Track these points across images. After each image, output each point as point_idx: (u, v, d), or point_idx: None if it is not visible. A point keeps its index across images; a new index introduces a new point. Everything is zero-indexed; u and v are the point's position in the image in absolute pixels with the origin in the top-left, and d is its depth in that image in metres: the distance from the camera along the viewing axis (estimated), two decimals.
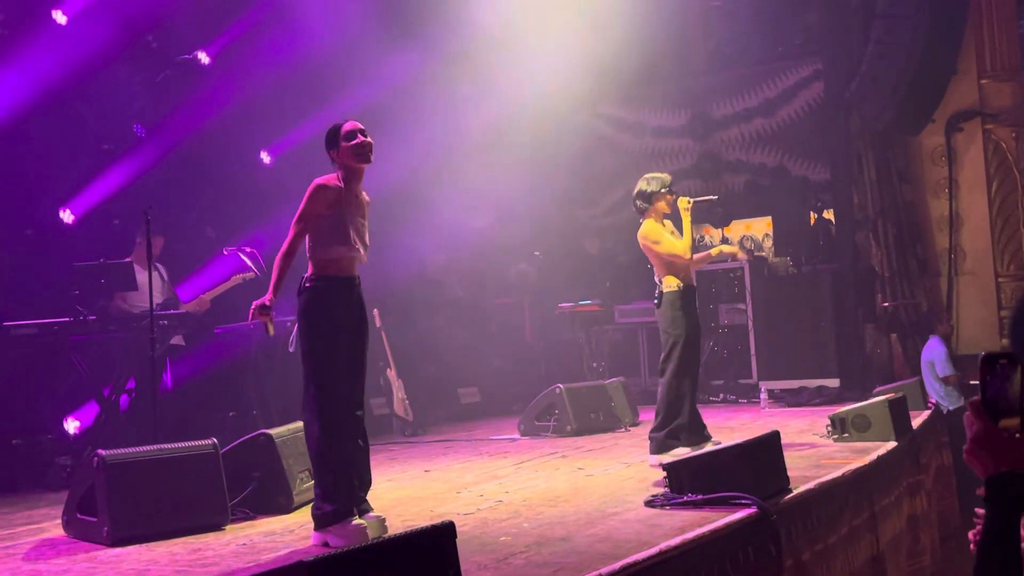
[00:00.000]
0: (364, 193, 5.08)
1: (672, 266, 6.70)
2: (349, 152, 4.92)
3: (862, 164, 10.89)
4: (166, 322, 7.85)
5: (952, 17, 10.48)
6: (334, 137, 4.99)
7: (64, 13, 8.82)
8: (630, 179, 13.63)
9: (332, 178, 4.91)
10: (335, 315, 4.82)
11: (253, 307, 4.82)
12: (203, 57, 9.96)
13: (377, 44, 10.37)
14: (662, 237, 6.69)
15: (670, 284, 6.70)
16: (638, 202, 6.78)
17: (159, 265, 8.38)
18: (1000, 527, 1.68)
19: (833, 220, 11.67)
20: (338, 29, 10.39)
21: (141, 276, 7.93)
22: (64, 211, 8.74)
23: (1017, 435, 1.68)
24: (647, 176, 6.89)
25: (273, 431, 5.79)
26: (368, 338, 5.04)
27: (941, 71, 10.60)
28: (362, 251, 4.96)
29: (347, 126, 4.99)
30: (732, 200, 12.65)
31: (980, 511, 2.54)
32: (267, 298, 4.82)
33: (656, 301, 6.77)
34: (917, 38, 10.24)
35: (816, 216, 11.79)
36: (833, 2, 11.40)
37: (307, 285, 4.84)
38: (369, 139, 4.97)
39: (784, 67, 12.74)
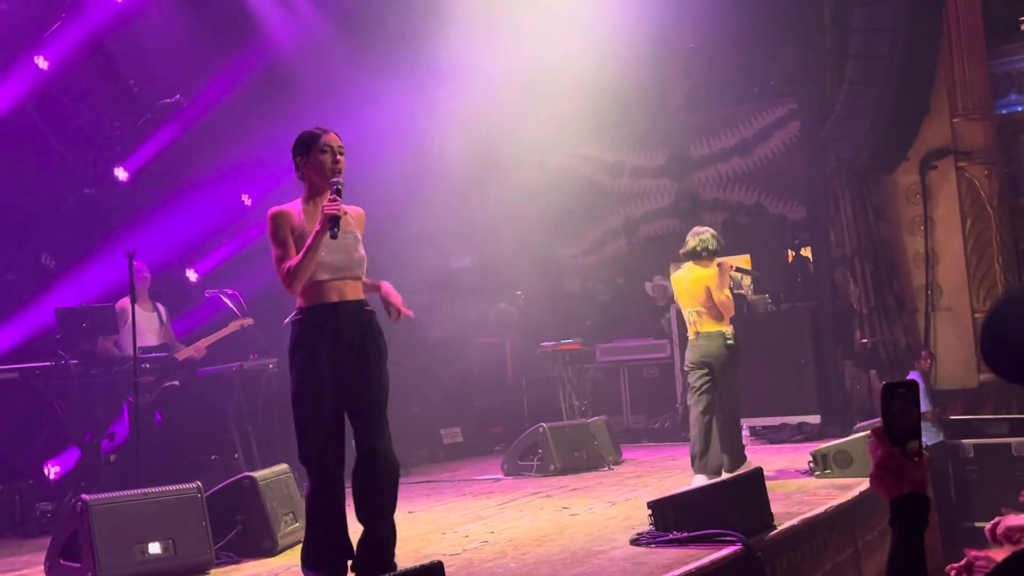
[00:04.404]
0: (350, 207, 4.61)
1: (721, 313, 7.23)
2: (318, 168, 4.50)
3: (838, 202, 11.02)
4: (148, 365, 7.84)
5: (924, 57, 10.67)
6: (307, 145, 4.54)
7: (46, 59, 8.87)
8: (609, 219, 13.92)
9: (292, 203, 4.54)
10: (317, 350, 4.39)
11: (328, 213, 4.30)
12: (184, 101, 10.02)
13: (357, 85, 10.45)
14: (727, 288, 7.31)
15: (731, 328, 7.27)
16: (703, 253, 7.30)
17: (159, 306, 8.39)
18: (907, 545, 1.82)
19: (811, 258, 11.78)
20: (321, 69, 10.49)
21: (138, 316, 7.95)
22: (46, 255, 8.74)
23: (917, 458, 1.79)
24: (709, 232, 7.41)
25: (257, 474, 5.78)
26: (377, 374, 4.48)
27: (914, 110, 10.77)
28: (345, 275, 4.46)
29: (325, 138, 4.52)
30: None
31: (969, 551, 2.62)
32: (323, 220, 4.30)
33: (731, 342, 7.20)
34: (890, 78, 10.41)
35: (794, 254, 11.91)
36: (807, 43, 11.58)
37: (293, 318, 4.49)
38: (343, 160, 4.54)
39: (760, 107, 12.91)
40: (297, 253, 4.39)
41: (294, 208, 4.52)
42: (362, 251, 4.57)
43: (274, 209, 4.50)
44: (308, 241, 4.35)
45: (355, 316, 4.48)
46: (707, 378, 7.19)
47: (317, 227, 4.34)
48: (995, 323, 0.99)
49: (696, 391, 7.23)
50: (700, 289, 7.21)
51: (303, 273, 4.36)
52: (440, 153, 11.54)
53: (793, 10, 11.58)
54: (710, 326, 7.22)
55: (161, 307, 8.43)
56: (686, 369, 7.39)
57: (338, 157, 4.52)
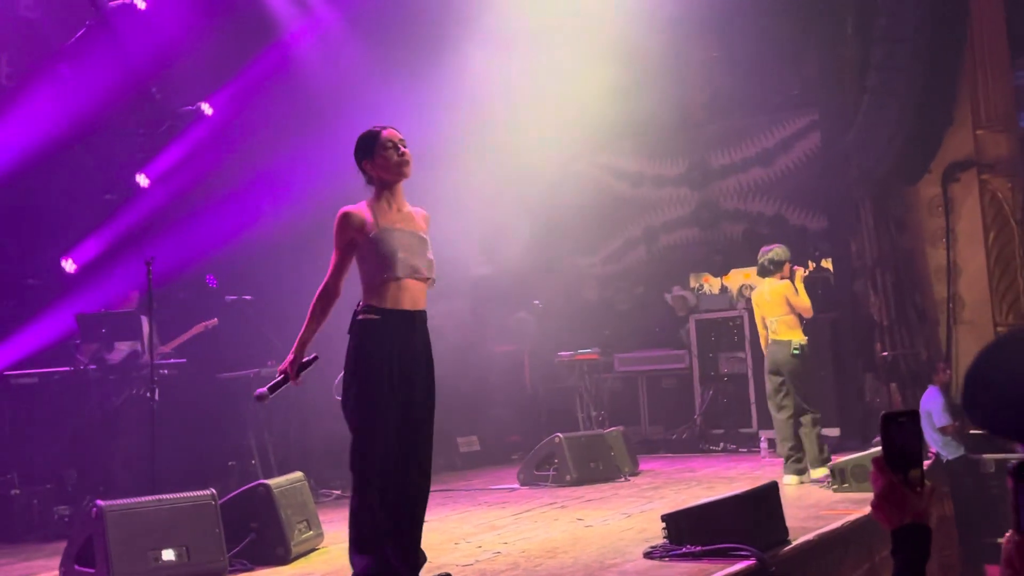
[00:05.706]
0: (414, 208, 4.62)
1: (799, 321, 7.79)
2: (385, 164, 4.48)
3: (860, 213, 10.96)
4: (166, 371, 7.88)
5: (947, 68, 10.60)
6: (369, 146, 4.51)
7: (70, 66, 8.93)
8: (629, 228, 13.87)
9: (360, 204, 4.48)
10: (391, 353, 4.35)
11: (282, 373, 4.39)
12: (206, 108, 10.06)
13: (377, 92, 10.47)
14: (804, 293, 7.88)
15: (803, 338, 7.83)
16: (771, 266, 8.00)
17: (144, 317, 8.42)
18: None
19: (831, 269, 11.71)
20: (340, 77, 10.52)
21: None
22: (67, 260, 8.79)
23: (919, 488, 1.77)
24: (776, 248, 8.08)
25: (271, 481, 5.79)
26: (433, 389, 4.57)
27: (937, 121, 10.70)
28: (421, 276, 4.48)
29: (385, 134, 4.49)
30: (731, 249, 12.72)
31: (989, 567, 2.60)
32: (287, 361, 4.39)
33: (797, 352, 7.74)
34: (912, 89, 10.35)
35: (814, 265, 11.83)
36: (829, 53, 11.53)
37: (356, 319, 4.39)
38: (408, 151, 4.52)
39: (781, 117, 12.84)
40: (366, 254, 4.40)
41: (362, 209, 4.48)
42: (431, 255, 4.58)
43: (343, 209, 4.46)
44: (300, 335, 4.43)
45: (423, 326, 4.54)
46: (780, 384, 7.80)
47: (291, 356, 4.41)
48: (980, 369, 0.97)
49: (772, 396, 7.88)
50: (779, 298, 7.84)
51: (311, 313, 4.44)
52: (460, 161, 11.54)
53: (815, 20, 11.53)
54: (783, 335, 7.81)
55: (144, 318, 8.44)
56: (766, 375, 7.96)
57: (402, 149, 4.51)
